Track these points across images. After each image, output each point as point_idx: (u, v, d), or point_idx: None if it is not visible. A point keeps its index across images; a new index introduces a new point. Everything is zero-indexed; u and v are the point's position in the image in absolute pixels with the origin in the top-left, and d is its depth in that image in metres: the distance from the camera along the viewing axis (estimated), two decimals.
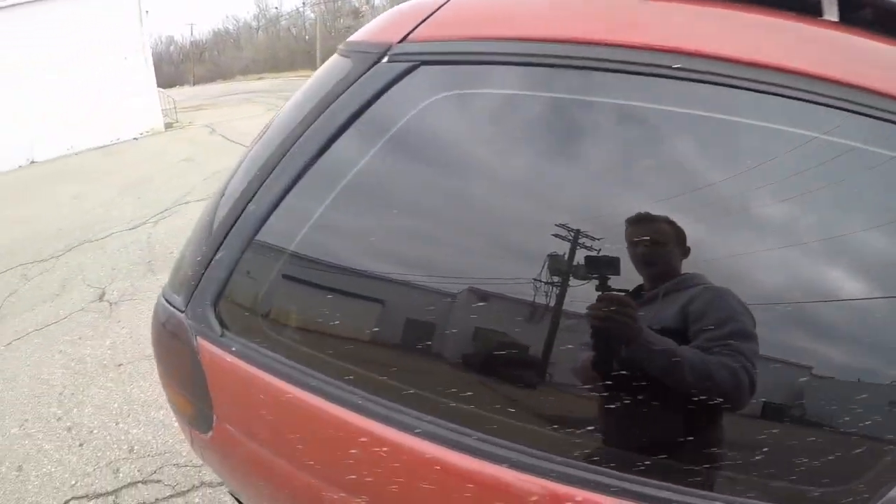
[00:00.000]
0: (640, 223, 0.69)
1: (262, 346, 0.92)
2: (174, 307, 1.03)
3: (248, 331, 0.94)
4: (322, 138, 0.87)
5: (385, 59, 0.84)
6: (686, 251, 0.68)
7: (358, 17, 36.03)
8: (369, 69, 0.85)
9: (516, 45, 0.78)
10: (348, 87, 0.86)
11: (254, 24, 44.26)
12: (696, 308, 0.68)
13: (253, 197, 0.92)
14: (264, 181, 0.91)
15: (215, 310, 0.97)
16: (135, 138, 11.48)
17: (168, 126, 12.49)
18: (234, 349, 0.94)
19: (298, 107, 0.95)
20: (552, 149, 0.80)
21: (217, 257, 0.95)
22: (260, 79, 30.39)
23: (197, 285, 0.98)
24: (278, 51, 38.43)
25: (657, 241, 0.69)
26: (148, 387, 2.97)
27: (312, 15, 37.07)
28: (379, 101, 0.84)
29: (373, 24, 0.96)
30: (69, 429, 2.69)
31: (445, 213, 0.84)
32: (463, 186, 0.83)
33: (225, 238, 0.94)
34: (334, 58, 0.97)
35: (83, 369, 3.22)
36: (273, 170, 0.91)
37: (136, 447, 2.51)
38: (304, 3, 37.79)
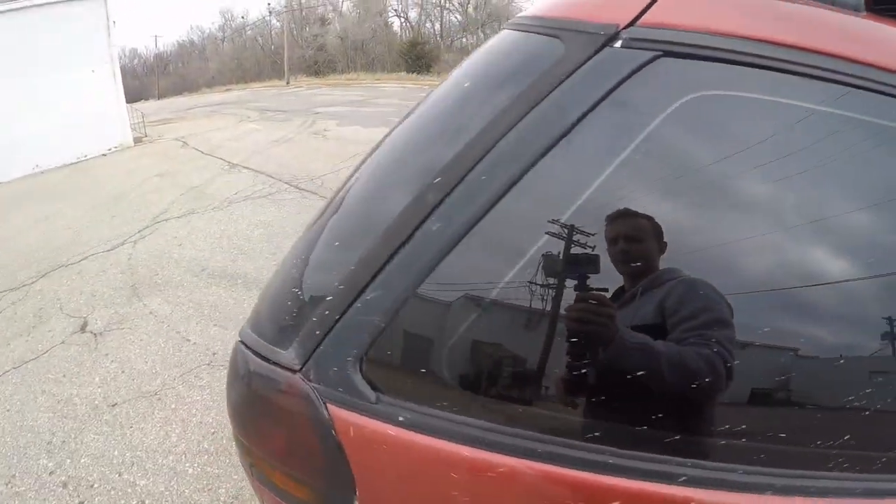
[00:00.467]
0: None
1: (453, 413, 0.71)
2: (277, 365, 0.78)
3: (424, 394, 0.73)
4: (543, 139, 0.68)
5: (618, 44, 0.69)
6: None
7: (325, 24, 35.62)
8: (595, 54, 0.69)
9: (786, 53, 0.67)
10: (570, 75, 0.69)
11: (219, 34, 43.19)
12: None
13: (430, 215, 0.70)
14: (449, 193, 0.69)
15: (361, 368, 0.73)
16: (103, 154, 10.86)
17: (137, 141, 11.90)
18: (402, 419, 0.71)
19: (481, 94, 0.76)
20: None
21: (366, 298, 0.71)
22: (227, 90, 29.62)
23: (325, 336, 0.74)
24: (245, 61, 37.61)
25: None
26: (150, 429, 2.67)
27: (278, 24, 36.46)
28: (613, 95, 0.68)
29: None
30: (65, 484, 2.37)
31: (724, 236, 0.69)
32: (742, 206, 0.70)
33: (380, 271, 0.71)
34: (527, 37, 0.79)
35: (72, 412, 2.89)
36: (464, 178, 0.69)
37: (147, 501, 2.21)
38: (269, 13, 37.14)
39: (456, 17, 32.18)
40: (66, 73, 10.41)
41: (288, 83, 28.90)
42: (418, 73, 28.04)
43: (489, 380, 0.74)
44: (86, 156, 10.68)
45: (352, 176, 0.92)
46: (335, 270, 0.76)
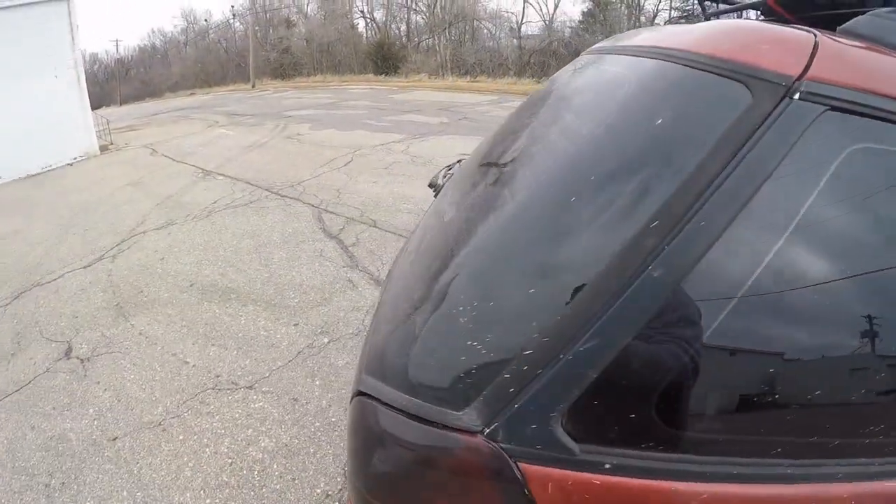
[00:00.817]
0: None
1: (660, 452, 0.71)
2: (448, 427, 0.72)
3: (631, 438, 0.71)
4: (749, 186, 0.71)
5: (796, 97, 0.72)
6: None
7: (290, 26, 35.04)
8: (779, 104, 0.72)
9: None
10: (762, 124, 0.72)
11: (181, 38, 41.90)
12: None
13: (650, 260, 0.69)
14: (668, 238, 0.69)
15: (562, 421, 0.71)
16: (69, 164, 10.34)
17: (103, 149, 11.39)
18: (607, 466, 0.70)
19: (676, 135, 0.79)
20: None
21: (578, 349, 0.69)
22: (191, 95, 28.88)
23: (519, 392, 0.71)
24: (208, 65, 36.61)
25: None
26: (160, 464, 2.47)
27: (242, 27, 35.65)
28: (797, 145, 0.72)
29: (747, 44, 0.81)
30: None
31: None
32: None
33: (594, 321, 0.69)
34: (702, 76, 0.81)
35: (69, 449, 2.66)
36: (680, 223, 0.70)
37: None
38: (233, 15, 36.29)
39: (422, 18, 32.02)
40: (27, 78, 9.85)
41: (253, 86, 28.36)
42: (386, 75, 27.83)
43: (697, 416, 0.74)
44: (51, 166, 10.15)
45: (485, 214, 0.90)
46: (533, 321, 0.72)
